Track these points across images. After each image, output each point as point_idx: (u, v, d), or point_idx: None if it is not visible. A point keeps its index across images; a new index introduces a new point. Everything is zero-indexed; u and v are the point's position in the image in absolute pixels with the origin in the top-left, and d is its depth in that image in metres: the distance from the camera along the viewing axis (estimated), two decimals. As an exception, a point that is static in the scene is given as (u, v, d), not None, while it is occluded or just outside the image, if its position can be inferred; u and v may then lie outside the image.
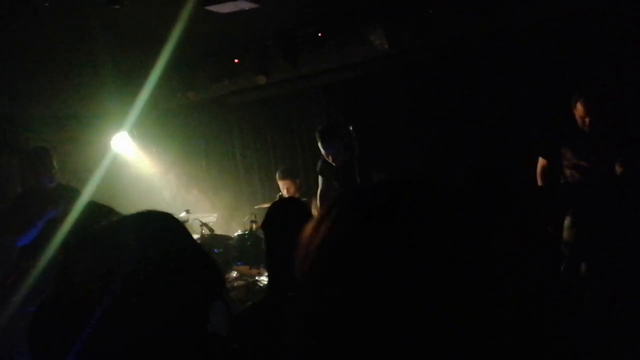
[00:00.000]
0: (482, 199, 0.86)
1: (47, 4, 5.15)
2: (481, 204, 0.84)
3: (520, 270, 0.81)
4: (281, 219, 2.89)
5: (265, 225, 2.94)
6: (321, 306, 0.82)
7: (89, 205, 2.86)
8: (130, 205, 2.51)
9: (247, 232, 6.58)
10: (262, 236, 6.45)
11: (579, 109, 5.17)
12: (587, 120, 5.15)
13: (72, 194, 5.80)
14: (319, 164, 6.33)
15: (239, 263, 6.51)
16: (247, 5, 5.74)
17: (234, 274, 6.75)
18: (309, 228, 0.88)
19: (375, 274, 0.78)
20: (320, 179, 6.37)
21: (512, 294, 0.77)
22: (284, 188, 7.18)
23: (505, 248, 0.81)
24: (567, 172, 5.34)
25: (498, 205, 0.79)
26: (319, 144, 5.89)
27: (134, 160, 9.35)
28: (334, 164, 5.89)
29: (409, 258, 0.77)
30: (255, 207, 7.57)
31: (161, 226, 1.59)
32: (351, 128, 5.61)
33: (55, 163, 5.85)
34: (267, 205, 7.49)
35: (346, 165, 5.81)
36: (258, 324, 2.64)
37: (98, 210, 2.75)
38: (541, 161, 5.57)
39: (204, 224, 6.64)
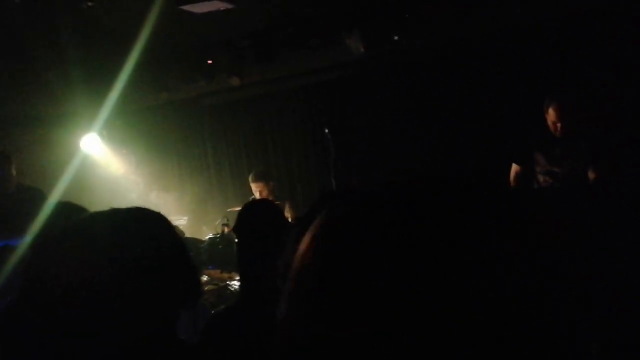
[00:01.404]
0: (477, 199, 0.83)
1: (17, 1, 5.04)
2: (478, 203, 0.82)
3: (520, 271, 0.78)
4: (253, 221, 2.85)
5: (237, 228, 2.89)
6: (320, 308, 0.77)
7: (61, 205, 2.79)
8: (98, 207, 2.46)
9: (218, 235, 6.51)
10: (234, 239, 6.42)
11: (551, 114, 5.18)
12: (559, 125, 5.16)
13: (35, 196, 5.71)
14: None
15: (209, 267, 6.43)
16: (222, 6, 5.68)
17: (205, 277, 6.67)
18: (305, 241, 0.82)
19: (373, 276, 0.74)
20: None
21: (513, 294, 0.74)
22: (257, 191, 7.12)
23: (505, 247, 0.77)
24: (540, 178, 5.35)
25: (492, 204, 0.78)
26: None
27: (103, 161, 9.25)
28: None
29: (409, 258, 0.74)
30: (228, 209, 7.50)
31: (138, 224, 1.52)
32: (327, 131, 5.56)
33: (14, 169, 5.72)
34: (239, 208, 7.42)
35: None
36: (231, 328, 2.59)
37: (71, 211, 2.67)
38: (514, 167, 5.57)
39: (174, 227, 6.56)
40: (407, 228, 0.76)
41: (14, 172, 5.69)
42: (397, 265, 0.74)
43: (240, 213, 2.96)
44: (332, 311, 0.76)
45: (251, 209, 3.03)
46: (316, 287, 0.78)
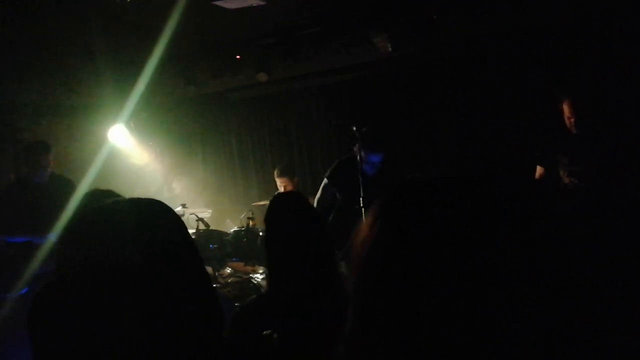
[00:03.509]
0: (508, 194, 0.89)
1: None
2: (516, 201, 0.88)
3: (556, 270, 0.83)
4: (283, 212, 2.86)
5: (266, 218, 2.91)
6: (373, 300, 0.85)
7: (91, 193, 2.82)
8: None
9: (243, 229, 6.55)
10: (259, 233, 6.46)
11: (565, 110, 5.18)
12: (572, 120, 5.14)
13: (66, 185, 5.82)
14: (335, 167, 6.04)
15: (233, 259, 6.48)
16: (254, 2, 5.70)
17: (228, 270, 6.72)
18: (363, 229, 0.91)
19: (424, 271, 0.81)
20: (324, 183, 6.06)
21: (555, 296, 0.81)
22: (281, 186, 7.17)
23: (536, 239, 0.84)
24: (566, 179, 5.32)
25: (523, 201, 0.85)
26: (362, 148, 5.60)
27: (130, 152, 9.32)
28: (367, 171, 5.65)
29: (461, 253, 0.80)
30: (252, 203, 7.55)
31: (161, 213, 1.55)
32: (354, 128, 5.55)
33: (51, 159, 5.85)
34: (263, 202, 7.50)
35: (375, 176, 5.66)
36: (259, 317, 2.62)
37: (101, 196, 2.71)
38: (539, 169, 5.54)
39: (200, 219, 6.61)
40: (454, 212, 0.84)
41: (51, 162, 5.81)
42: (449, 240, 0.81)
43: (270, 203, 2.98)
44: (389, 280, 0.83)
45: (281, 200, 3.05)
46: (378, 258, 0.85)
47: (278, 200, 3.00)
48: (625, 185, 4.97)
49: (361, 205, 5.21)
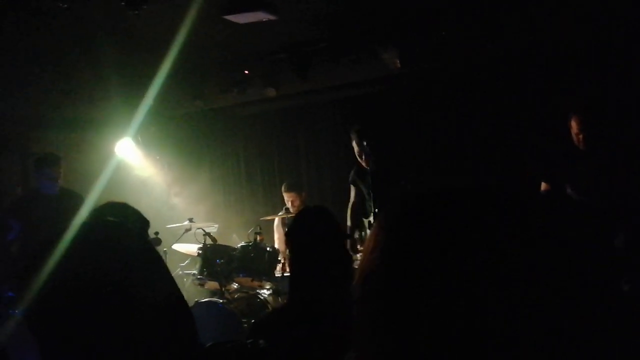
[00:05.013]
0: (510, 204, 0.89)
1: (65, 5, 5.10)
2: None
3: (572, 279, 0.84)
4: (306, 226, 2.90)
5: (292, 231, 2.92)
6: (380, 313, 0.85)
7: (107, 206, 2.81)
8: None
9: (250, 244, 6.52)
10: (266, 248, 6.44)
11: (573, 126, 5.16)
12: (581, 136, 5.11)
13: (76, 200, 5.83)
14: (352, 174, 6.46)
15: (240, 274, 6.44)
16: (265, 17, 5.71)
17: (235, 285, 6.67)
18: (370, 238, 0.92)
19: (429, 284, 0.80)
20: (352, 190, 6.49)
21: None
22: (289, 201, 7.16)
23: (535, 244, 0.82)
24: (573, 195, 5.28)
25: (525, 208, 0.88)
26: (359, 143, 5.99)
27: (137, 166, 9.32)
28: (367, 166, 5.95)
29: (461, 253, 0.80)
30: (260, 218, 7.52)
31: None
32: (365, 143, 5.58)
33: (61, 171, 5.88)
34: (271, 217, 7.48)
35: (378, 172, 5.87)
36: (280, 328, 2.63)
37: (113, 208, 2.70)
38: (544, 186, 5.51)
39: (207, 234, 6.59)
40: (454, 223, 0.84)
41: (61, 173, 5.84)
42: (450, 240, 0.81)
43: (296, 217, 3.01)
44: (394, 288, 0.83)
45: (308, 214, 3.08)
46: (381, 268, 0.85)
47: (302, 215, 3.04)
48: (635, 199, 4.95)
49: (371, 220, 5.29)
